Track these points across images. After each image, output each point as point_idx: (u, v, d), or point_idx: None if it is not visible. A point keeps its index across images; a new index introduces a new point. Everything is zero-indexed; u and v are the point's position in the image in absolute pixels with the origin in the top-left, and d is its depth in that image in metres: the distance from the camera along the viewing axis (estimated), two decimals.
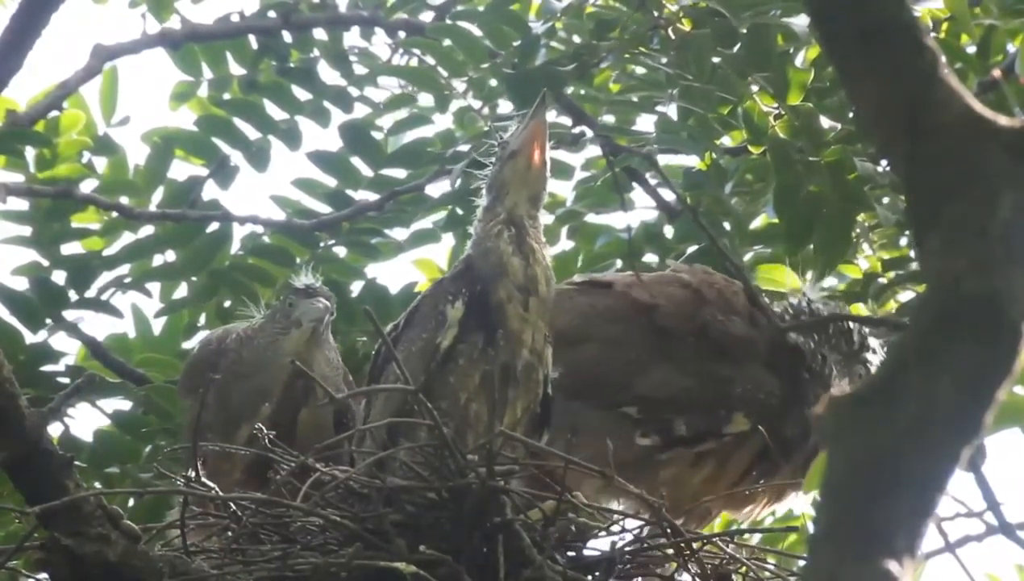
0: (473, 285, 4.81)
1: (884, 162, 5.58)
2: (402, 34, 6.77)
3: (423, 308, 4.87)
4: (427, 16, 6.74)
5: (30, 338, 6.18)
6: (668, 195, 6.26)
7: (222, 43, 6.77)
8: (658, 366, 5.10)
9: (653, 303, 5.18)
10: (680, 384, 5.07)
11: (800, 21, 5.75)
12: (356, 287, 6.38)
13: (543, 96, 4.99)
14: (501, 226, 4.85)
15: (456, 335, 4.75)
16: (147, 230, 6.48)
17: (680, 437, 5.03)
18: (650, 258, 6.19)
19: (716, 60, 5.84)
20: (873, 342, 5.30)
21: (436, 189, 6.44)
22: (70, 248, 6.39)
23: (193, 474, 4.50)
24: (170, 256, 6.46)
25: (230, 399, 5.10)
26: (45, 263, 6.35)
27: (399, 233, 6.51)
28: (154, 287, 6.44)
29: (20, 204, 6.38)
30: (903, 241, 6.09)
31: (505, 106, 6.12)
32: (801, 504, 6.04)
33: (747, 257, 6.09)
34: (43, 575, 4.45)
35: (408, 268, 6.65)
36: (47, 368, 6.14)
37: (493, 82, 6.15)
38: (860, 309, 6.07)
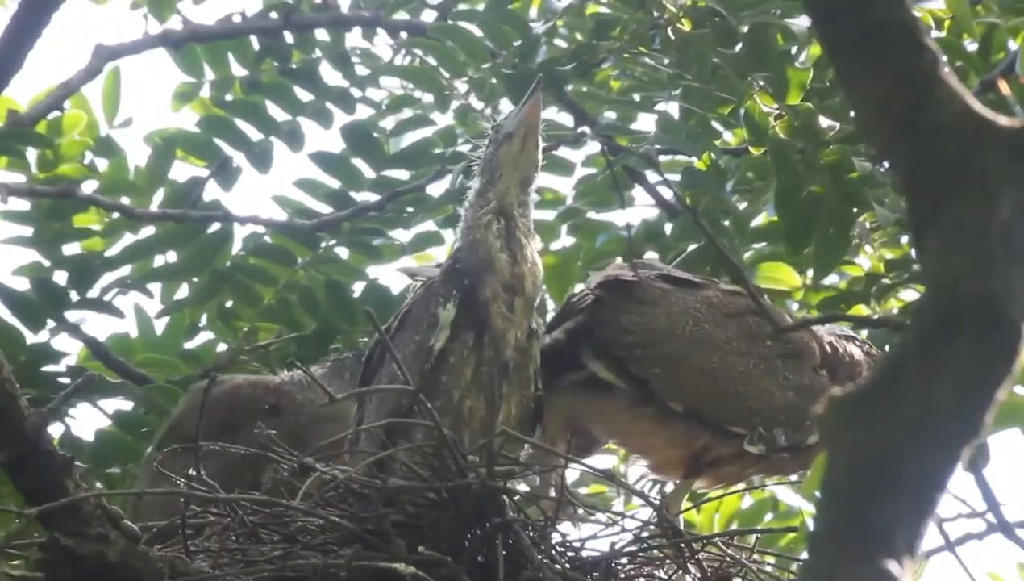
0: (461, 281, 4.83)
1: (884, 162, 5.58)
2: (404, 34, 6.77)
3: (415, 311, 4.88)
4: (428, 16, 6.75)
5: (31, 338, 6.18)
6: (668, 194, 6.26)
7: (224, 44, 6.77)
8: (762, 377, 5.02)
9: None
10: (784, 398, 5.01)
11: (800, 21, 5.75)
12: (358, 288, 6.39)
13: (538, 80, 5.01)
14: (491, 216, 4.86)
15: (448, 336, 4.77)
16: (148, 230, 6.48)
17: (783, 447, 4.96)
18: (650, 256, 6.19)
19: (716, 60, 5.84)
20: None
21: (437, 189, 6.45)
22: (71, 248, 6.39)
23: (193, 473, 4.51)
24: (171, 256, 6.46)
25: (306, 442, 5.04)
26: (46, 263, 6.35)
27: (400, 234, 6.52)
28: (155, 287, 6.45)
29: (22, 204, 6.39)
30: (904, 240, 6.10)
31: (506, 106, 6.12)
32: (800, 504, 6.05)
33: (747, 256, 6.09)
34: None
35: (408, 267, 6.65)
36: (48, 368, 6.14)
37: (494, 81, 6.15)
38: (861, 309, 6.07)
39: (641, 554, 4.66)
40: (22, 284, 6.24)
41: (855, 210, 5.78)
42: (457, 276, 4.84)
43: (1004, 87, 5.67)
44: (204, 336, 6.42)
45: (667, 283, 5.05)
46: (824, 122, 5.78)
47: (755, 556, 4.75)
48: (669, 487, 5.06)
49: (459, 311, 4.79)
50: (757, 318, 4.97)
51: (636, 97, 6.04)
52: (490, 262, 4.81)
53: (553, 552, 4.56)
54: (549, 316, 5.24)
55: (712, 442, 4.91)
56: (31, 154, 6.43)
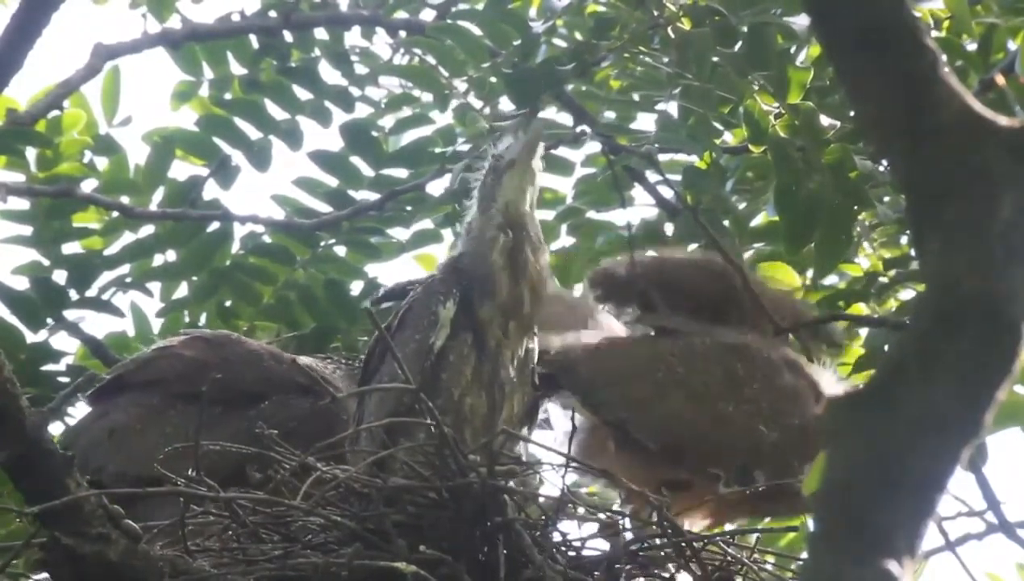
0: (461, 283, 4.84)
1: (884, 161, 5.58)
2: (403, 33, 6.77)
3: (415, 308, 4.88)
4: (428, 15, 6.74)
5: (31, 337, 6.18)
6: (668, 193, 6.26)
7: (223, 43, 6.76)
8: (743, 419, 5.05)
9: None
10: (767, 439, 5.02)
11: (800, 20, 5.75)
12: (356, 287, 6.39)
13: (536, 122, 5.05)
14: (497, 232, 4.86)
15: (448, 334, 4.77)
16: (148, 229, 6.48)
17: (757, 490, 4.98)
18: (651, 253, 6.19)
19: (716, 59, 5.84)
20: None
21: (436, 188, 6.45)
22: (71, 247, 6.39)
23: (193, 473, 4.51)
24: (171, 255, 6.46)
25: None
26: (46, 262, 6.35)
27: (400, 232, 6.52)
28: (155, 286, 6.45)
29: (21, 203, 6.39)
30: (904, 240, 6.09)
31: (506, 105, 6.12)
32: None
33: (748, 255, 6.09)
34: (44, 575, 4.45)
35: (409, 267, 6.66)
36: (48, 367, 6.15)
37: (493, 81, 6.15)
38: (861, 309, 6.07)
39: (641, 554, 4.66)
40: (21, 283, 6.25)
41: (855, 209, 5.78)
42: (457, 276, 4.85)
43: (1002, 81, 5.67)
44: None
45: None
46: (824, 121, 5.78)
47: (755, 556, 4.75)
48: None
49: (459, 309, 4.80)
50: (748, 363, 5.04)
51: (636, 96, 6.04)
52: (491, 281, 4.81)
53: (554, 551, 4.55)
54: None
55: (690, 479, 4.96)
56: (30, 153, 6.43)
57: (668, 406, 5.01)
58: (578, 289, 6.32)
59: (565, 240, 6.38)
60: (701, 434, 4.98)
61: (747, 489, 4.93)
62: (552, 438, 5.07)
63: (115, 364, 6.15)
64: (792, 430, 4.98)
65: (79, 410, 5.93)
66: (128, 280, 6.40)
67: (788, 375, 5.10)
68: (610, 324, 5.28)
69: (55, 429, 5.94)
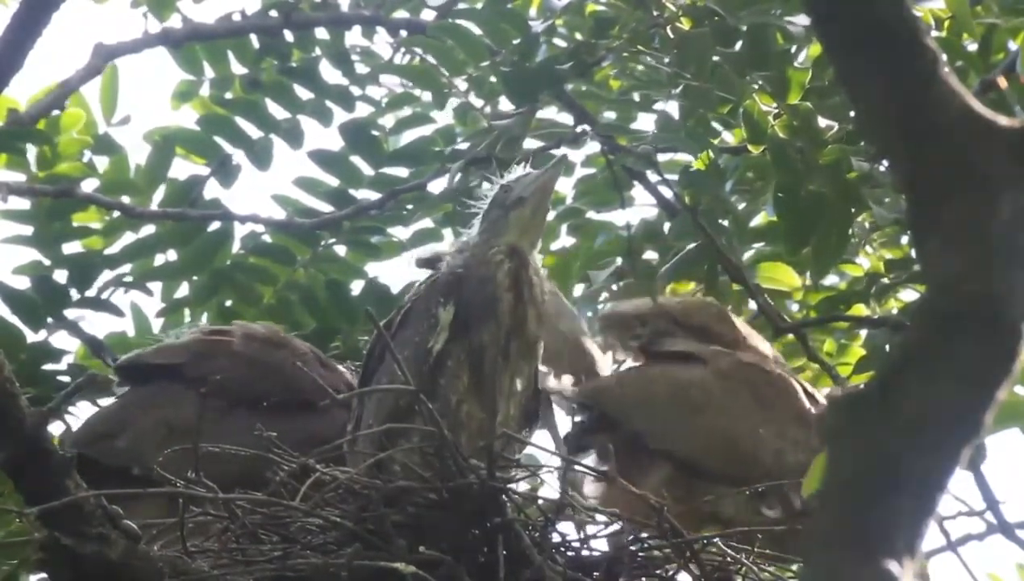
0: (461, 289, 4.81)
1: (884, 162, 5.58)
2: (403, 33, 6.77)
3: (416, 308, 4.86)
4: (428, 15, 6.74)
5: (31, 337, 6.18)
6: (668, 193, 6.26)
7: (224, 42, 6.76)
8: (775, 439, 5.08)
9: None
10: (794, 461, 5.03)
11: (799, 20, 5.75)
12: (357, 286, 6.39)
13: (561, 158, 5.08)
14: (503, 257, 4.85)
15: (447, 338, 4.76)
16: (148, 229, 6.48)
17: (799, 512, 4.98)
18: (650, 256, 6.19)
19: (716, 59, 5.84)
20: None
21: (437, 187, 6.44)
22: (71, 247, 6.39)
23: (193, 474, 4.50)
24: (171, 255, 6.47)
25: None
26: (46, 262, 6.35)
27: (400, 232, 6.52)
28: (155, 286, 6.45)
29: (21, 203, 6.38)
30: (905, 240, 6.10)
31: (506, 104, 6.12)
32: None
33: (747, 255, 6.09)
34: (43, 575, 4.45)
35: (409, 267, 6.66)
36: (48, 367, 6.15)
37: (493, 80, 6.15)
38: (861, 309, 6.07)
39: (641, 554, 4.66)
40: (22, 283, 6.25)
41: (854, 210, 5.78)
42: (458, 290, 4.82)
43: (1003, 83, 5.67)
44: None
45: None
46: (823, 122, 5.78)
47: (755, 556, 4.75)
48: None
49: (457, 313, 4.78)
50: (770, 385, 5.07)
51: (635, 96, 6.04)
52: (494, 304, 4.79)
53: (553, 552, 4.55)
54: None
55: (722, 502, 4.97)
56: (31, 153, 6.43)
57: (708, 428, 5.04)
58: (578, 289, 6.33)
59: (565, 240, 6.39)
60: (741, 455, 5.00)
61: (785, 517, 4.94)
62: (551, 440, 5.08)
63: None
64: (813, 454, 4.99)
65: (79, 410, 5.95)
66: (128, 280, 6.40)
67: (806, 400, 5.13)
68: (597, 351, 5.31)
69: (55, 429, 5.95)
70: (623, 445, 5.02)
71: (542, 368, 4.90)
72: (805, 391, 5.19)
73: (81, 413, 6.07)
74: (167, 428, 5.04)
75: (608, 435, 5.07)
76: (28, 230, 6.38)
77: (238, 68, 6.77)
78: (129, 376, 5.30)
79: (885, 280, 6.03)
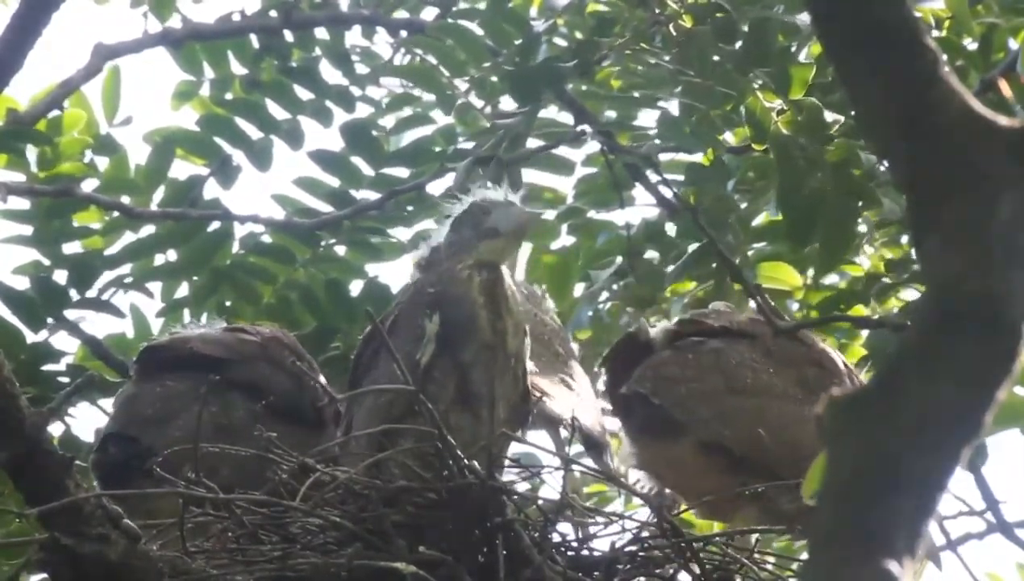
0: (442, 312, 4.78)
1: (884, 162, 5.58)
2: (403, 33, 6.77)
3: (403, 318, 4.83)
4: (428, 15, 6.74)
5: (31, 337, 6.18)
6: (668, 193, 6.26)
7: (224, 42, 6.77)
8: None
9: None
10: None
11: (801, 16, 5.75)
12: (356, 286, 6.39)
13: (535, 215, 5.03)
14: (471, 271, 4.82)
15: (433, 351, 4.74)
16: (148, 229, 6.48)
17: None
18: (651, 255, 6.19)
19: (718, 57, 5.84)
20: None
21: (437, 188, 6.45)
22: (71, 247, 6.40)
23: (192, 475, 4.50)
24: (171, 255, 6.47)
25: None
26: (46, 262, 6.35)
27: (400, 232, 6.52)
28: (155, 286, 6.45)
29: (21, 203, 6.39)
30: (904, 240, 6.10)
31: (507, 104, 6.12)
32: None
33: (750, 254, 6.09)
34: (43, 575, 4.45)
35: (409, 267, 6.65)
36: (48, 367, 6.15)
37: (494, 80, 6.15)
38: (861, 309, 6.06)
39: (641, 554, 4.66)
40: (22, 283, 6.25)
41: (859, 206, 5.77)
42: (435, 302, 4.79)
43: (1004, 86, 5.67)
44: None
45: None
46: (828, 117, 5.77)
47: (755, 556, 4.74)
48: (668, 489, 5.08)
49: (443, 325, 4.76)
50: (817, 367, 5.02)
51: (637, 95, 6.04)
52: (472, 321, 4.76)
53: (553, 552, 4.55)
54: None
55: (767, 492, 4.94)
56: (31, 153, 6.43)
57: (758, 411, 4.99)
58: (579, 289, 6.34)
59: (565, 240, 6.39)
60: (788, 440, 4.96)
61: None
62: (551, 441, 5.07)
63: (116, 364, 6.13)
64: None
65: (79, 410, 5.95)
66: (128, 280, 6.40)
67: (849, 381, 5.07)
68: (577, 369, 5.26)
69: (55, 429, 5.96)
70: (648, 420, 5.00)
71: (532, 367, 4.89)
72: (847, 368, 5.12)
73: (81, 413, 6.09)
74: (214, 426, 4.94)
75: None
76: (28, 230, 6.38)
77: (238, 68, 6.77)
78: (159, 361, 5.21)
79: (885, 280, 6.03)
